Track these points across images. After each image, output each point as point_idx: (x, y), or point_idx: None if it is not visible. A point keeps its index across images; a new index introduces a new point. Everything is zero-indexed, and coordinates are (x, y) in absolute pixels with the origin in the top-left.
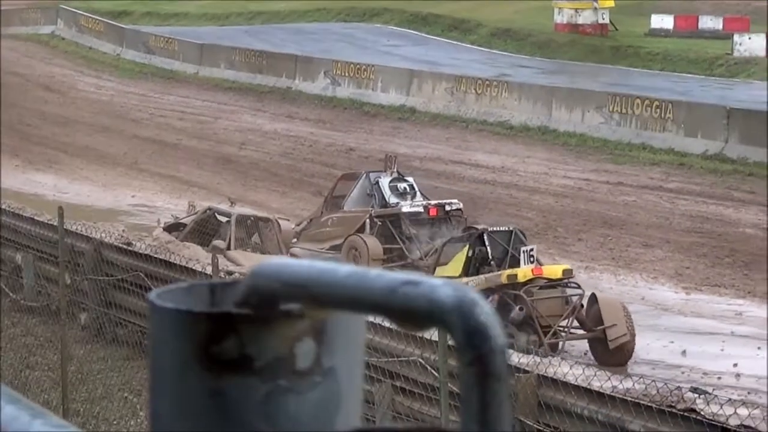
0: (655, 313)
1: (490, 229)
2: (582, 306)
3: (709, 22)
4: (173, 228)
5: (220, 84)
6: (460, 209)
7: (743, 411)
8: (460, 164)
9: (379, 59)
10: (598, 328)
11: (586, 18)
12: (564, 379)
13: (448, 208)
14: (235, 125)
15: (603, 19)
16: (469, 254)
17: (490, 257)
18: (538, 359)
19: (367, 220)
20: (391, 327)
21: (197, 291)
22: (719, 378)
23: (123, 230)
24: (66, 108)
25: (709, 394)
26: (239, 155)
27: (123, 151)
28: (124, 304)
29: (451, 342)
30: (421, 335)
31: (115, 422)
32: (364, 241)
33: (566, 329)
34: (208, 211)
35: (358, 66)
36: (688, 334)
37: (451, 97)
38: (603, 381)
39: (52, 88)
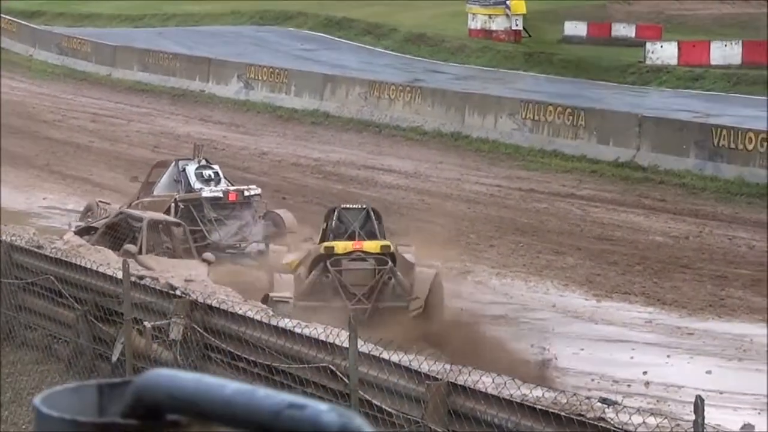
0: (566, 320)
1: (343, 206)
2: (390, 278)
3: (622, 30)
4: (85, 231)
5: (133, 86)
6: (258, 194)
7: (652, 420)
8: (372, 169)
9: (293, 63)
10: (408, 299)
11: (499, 24)
12: (475, 387)
13: (247, 193)
14: (147, 128)
15: (516, 25)
16: (324, 227)
17: (334, 231)
18: (448, 367)
19: (172, 204)
20: (301, 333)
21: (84, 393)
22: (629, 386)
23: (34, 233)
24: None
25: (618, 404)
26: (152, 158)
27: (35, 153)
28: (34, 308)
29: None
30: (332, 341)
31: (24, 426)
32: None
33: (373, 297)
34: (120, 215)
35: (271, 70)
36: (598, 342)
37: (365, 101)
38: (513, 390)
39: None
